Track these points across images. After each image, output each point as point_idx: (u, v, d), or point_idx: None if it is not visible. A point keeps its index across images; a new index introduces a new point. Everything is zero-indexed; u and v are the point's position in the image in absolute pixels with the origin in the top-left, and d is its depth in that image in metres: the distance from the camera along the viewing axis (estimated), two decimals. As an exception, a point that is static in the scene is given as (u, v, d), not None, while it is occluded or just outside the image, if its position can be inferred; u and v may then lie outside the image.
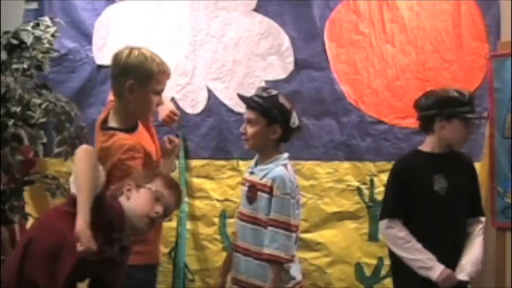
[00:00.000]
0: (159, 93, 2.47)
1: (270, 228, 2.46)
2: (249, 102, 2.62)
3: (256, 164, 2.63)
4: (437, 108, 2.64)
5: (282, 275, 2.49)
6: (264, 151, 2.60)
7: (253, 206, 2.54)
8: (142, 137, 2.49)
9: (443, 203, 2.63)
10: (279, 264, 2.46)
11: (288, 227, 2.46)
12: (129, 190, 2.08)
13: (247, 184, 2.60)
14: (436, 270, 2.57)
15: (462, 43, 3.34)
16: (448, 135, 2.65)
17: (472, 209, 2.72)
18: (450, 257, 2.62)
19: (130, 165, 2.32)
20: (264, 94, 2.59)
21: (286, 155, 2.61)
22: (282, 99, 2.60)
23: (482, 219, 2.75)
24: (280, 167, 2.54)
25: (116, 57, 2.46)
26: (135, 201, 2.05)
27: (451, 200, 2.64)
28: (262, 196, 2.51)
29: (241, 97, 2.68)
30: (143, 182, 2.09)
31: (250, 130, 2.58)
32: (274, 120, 2.56)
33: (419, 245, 2.61)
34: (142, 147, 2.41)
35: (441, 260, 2.60)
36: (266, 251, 2.46)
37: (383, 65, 3.42)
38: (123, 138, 2.37)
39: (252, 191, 2.54)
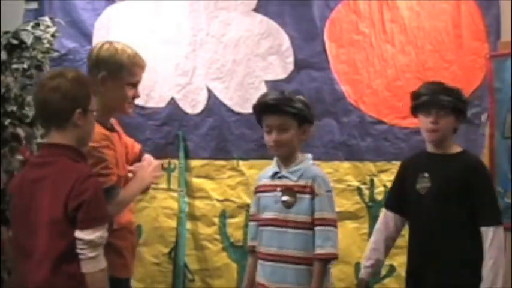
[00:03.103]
0: (133, 84, 2.48)
1: (319, 228, 2.41)
2: (284, 108, 2.45)
3: (278, 168, 2.52)
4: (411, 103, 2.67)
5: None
6: (293, 154, 2.51)
7: (293, 210, 2.44)
8: (117, 144, 2.47)
9: (422, 202, 2.57)
10: (325, 263, 2.42)
11: (335, 224, 2.45)
12: None
13: (278, 189, 2.48)
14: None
15: (462, 43, 3.34)
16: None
17: (477, 217, 2.48)
18: (424, 259, 2.54)
19: (104, 152, 2.32)
20: (287, 95, 2.51)
21: (310, 155, 2.56)
22: (301, 97, 2.55)
23: (486, 228, 2.46)
24: (314, 166, 2.51)
25: (90, 52, 2.52)
26: None
27: (431, 199, 2.54)
28: (303, 197, 2.44)
29: (270, 105, 2.49)
30: None
31: (285, 136, 2.44)
32: (304, 120, 2.49)
33: (372, 240, 2.73)
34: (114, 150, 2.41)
35: (416, 261, 2.58)
36: (321, 250, 2.39)
37: (383, 65, 3.42)
38: (99, 128, 2.36)
39: (290, 195, 2.45)
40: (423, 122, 2.60)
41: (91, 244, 2.03)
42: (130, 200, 2.44)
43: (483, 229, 2.47)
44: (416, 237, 2.62)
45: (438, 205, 2.53)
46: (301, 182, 2.45)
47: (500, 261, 2.44)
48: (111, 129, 2.47)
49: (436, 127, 2.55)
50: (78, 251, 2.03)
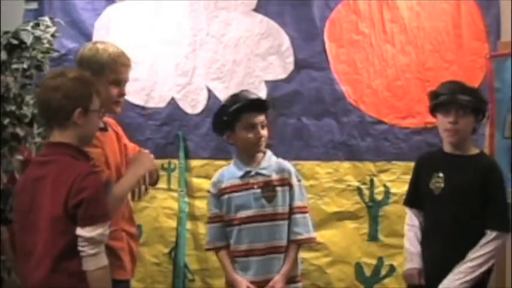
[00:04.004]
0: (116, 83, 2.46)
1: (299, 215, 2.60)
2: (266, 105, 2.65)
3: (246, 167, 2.62)
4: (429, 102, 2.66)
5: None
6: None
7: (273, 204, 2.58)
8: (108, 144, 2.45)
9: (435, 202, 2.57)
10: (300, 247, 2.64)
11: (308, 210, 2.66)
12: None
13: (256, 187, 2.59)
14: (407, 264, 2.65)
15: (462, 43, 3.35)
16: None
17: (486, 218, 2.49)
18: (438, 258, 2.54)
19: (89, 151, 2.28)
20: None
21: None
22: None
23: (490, 231, 2.47)
24: (279, 159, 2.67)
25: (76, 54, 2.54)
26: None
27: (444, 201, 2.54)
28: (281, 190, 2.60)
29: (258, 103, 2.64)
30: None
31: (265, 133, 2.61)
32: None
33: (412, 235, 2.65)
34: (104, 151, 2.39)
35: (430, 259, 2.58)
36: (302, 236, 2.59)
37: (383, 65, 3.42)
38: None
39: (270, 190, 2.59)
40: (442, 122, 2.57)
41: (91, 241, 2.03)
42: (124, 196, 2.41)
43: (488, 231, 2.48)
44: (428, 236, 2.61)
45: (451, 206, 2.52)
46: (277, 176, 2.61)
47: (483, 266, 2.46)
48: (103, 129, 2.47)
49: (455, 127, 2.52)
50: (79, 248, 2.04)
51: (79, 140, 2.16)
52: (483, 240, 2.47)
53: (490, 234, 2.47)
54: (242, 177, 2.62)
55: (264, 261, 2.57)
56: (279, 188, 2.59)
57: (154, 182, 2.58)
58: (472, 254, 2.47)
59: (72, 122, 2.13)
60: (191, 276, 3.57)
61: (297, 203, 2.62)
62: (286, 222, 2.60)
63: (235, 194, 2.62)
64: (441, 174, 2.57)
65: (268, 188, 2.58)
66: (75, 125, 2.13)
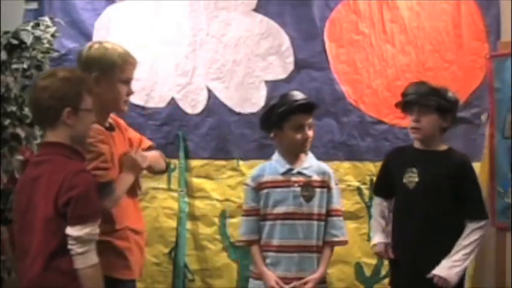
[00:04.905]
0: (125, 82, 2.46)
1: (335, 218, 2.70)
2: (311, 106, 2.71)
3: (289, 165, 2.68)
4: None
5: None
6: None
7: (311, 203, 2.65)
8: (114, 143, 2.45)
9: (409, 196, 2.65)
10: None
11: (343, 214, 2.77)
12: None
13: (296, 185, 2.65)
14: (374, 239, 2.81)
15: (462, 43, 3.35)
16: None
17: (465, 211, 2.60)
18: (413, 250, 2.62)
19: (100, 147, 2.31)
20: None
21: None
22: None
23: (470, 222, 2.58)
24: (320, 162, 2.77)
25: (79, 54, 2.49)
26: None
27: (418, 195, 2.62)
28: (320, 191, 2.67)
29: (309, 105, 2.70)
30: None
31: (311, 134, 2.69)
32: None
33: (378, 212, 2.84)
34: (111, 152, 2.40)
35: (404, 249, 2.65)
36: (339, 238, 2.70)
37: (383, 65, 3.42)
38: (95, 124, 2.34)
39: (309, 190, 2.65)
40: (409, 121, 2.68)
41: (79, 240, 2.03)
42: (123, 195, 2.41)
43: (467, 222, 2.58)
44: (402, 229, 2.68)
45: (426, 200, 2.60)
46: (318, 178, 2.68)
47: (473, 253, 2.58)
48: (110, 128, 2.47)
49: (417, 125, 2.64)
50: (69, 246, 2.05)
51: (71, 139, 2.15)
52: (468, 230, 2.57)
53: (476, 224, 2.58)
54: (284, 173, 2.67)
55: (296, 258, 2.63)
56: (318, 189, 2.67)
57: (162, 170, 2.69)
58: (463, 241, 2.56)
59: (62, 122, 2.12)
60: (191, 276, 3.57)
61: (335, 206, 2.70)
62: (321, 223, 2.66)
63: (275, 189, 2.67)
64: (414, 169, 2.64)
65: (308, 188, 2.65)
66: (65, 124, 2.12)
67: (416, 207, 2.61)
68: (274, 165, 2.71)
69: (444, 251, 2.57)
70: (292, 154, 2.70)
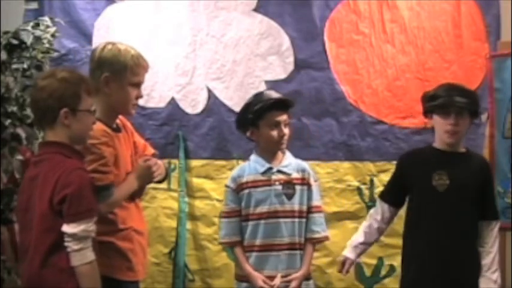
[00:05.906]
0: (136, 85, 2.45)
1: (316, 214, 2.73)
2: (290, 104, 2.77)
3: (268, 163, 2.70)
4: (424, 103, 2.69)
5: None
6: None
7: (292, 201, 2.68)
8: (120, 145, 2.45)
9: (441, 199, 2.60)
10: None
11: (323, 210, 2.81)
12: None
13: (277, 183, 2.67)
14: (347, 252, 2.76)
15: (462, 43, 3.35)
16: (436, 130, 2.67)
17: (484, 211, 2.61)
18: (443, 250, 2.59)
19: (103, 149, 2.30)
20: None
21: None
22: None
23: (489, 222, 2.63)
24: (298, 160, 2.79)
25: (92, 53, 2.49)
26: None
27: (451, 198, 2.59)
28: (300, 189, 2.70)
29: (283, 102, 2.74)
30: None
31: (287, 131, 2.71)
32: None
33: (367, 226, 2.76)
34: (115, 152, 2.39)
35: (431, 249, 2.61)
36: (320, 234, 2.73)
37: (383, 65, 3.42)
38: (101, 125, 2.34)
39: (290, 187, 2.68)
40: (440, 124, 2.61)
41: (75, 237, 2.04)
42: (122, 200, 2.40)
43: (487, 222, 2.62)
44: (430, 233, 2.62)
45: (459, 202, 2.59)
46: (298, 175, 2.72)
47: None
48: (117, 129, 2.46)
49: (456, 129, 2.58)
50: (65, 244, 2.06)
51: (69, 139, 2.16)
52: (488, 230, 2.61)
53: (494, 224, 2.63)
54: (264, 173, 2.69)
55: (283, 256, 2.65)
56: (298, 187, 2.70)
57: (161, 179, 2.63)
58: (492, 248, 2.62)
59: (60, 122, 2.13)
60: (191, 276, 3.58)
61: (315, 202, 2.74)
62: (302, 220, 2.70)
63: (256, 189, 2.69)
64: (443, 172, 2.60)
65: (289, 186, 2.68)
66: (63, 125, 2.13)
67: (448, 210, 2.59)
68: (254, 165, 2.72)
69: (470, 250, 2.60)
70: (270, 152, 2.72)
